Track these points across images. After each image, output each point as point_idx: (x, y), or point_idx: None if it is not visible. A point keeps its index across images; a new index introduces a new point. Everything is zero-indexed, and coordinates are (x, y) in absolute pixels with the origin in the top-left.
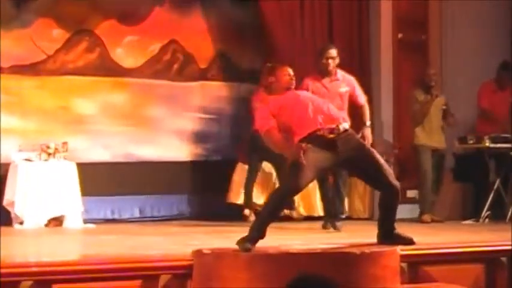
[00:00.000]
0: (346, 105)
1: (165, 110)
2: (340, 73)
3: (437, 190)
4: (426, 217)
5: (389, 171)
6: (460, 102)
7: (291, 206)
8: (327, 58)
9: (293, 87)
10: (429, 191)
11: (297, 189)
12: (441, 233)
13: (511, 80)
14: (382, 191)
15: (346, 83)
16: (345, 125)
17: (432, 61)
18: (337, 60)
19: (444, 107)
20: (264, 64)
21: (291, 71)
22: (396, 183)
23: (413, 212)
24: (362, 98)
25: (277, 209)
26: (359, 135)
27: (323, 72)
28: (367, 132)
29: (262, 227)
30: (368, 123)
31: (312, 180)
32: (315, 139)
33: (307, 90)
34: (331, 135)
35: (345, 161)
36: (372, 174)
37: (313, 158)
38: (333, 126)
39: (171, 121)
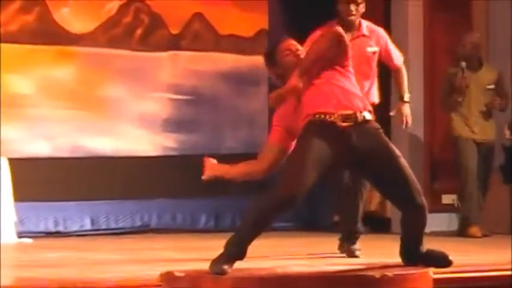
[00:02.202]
0: (374, 73)
1: (125, 89)
2: (366, 25)
3: (483, 195)
4: (474, 230)
5: (416, 185)
6: (510, 78)
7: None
8: (348, 1)
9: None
10: (475, 196)
11: (294, 197)
12: (487, 251)
13: None
14: (403, 209)
15: (374, 39)
16: (367, 114)
17: (476, 24)
18: (362, 8)
19: (491, 86)
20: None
21: (294, 43)
22: (423, 201)
23: (450, 223)
24: (398, 59)
25: (264, 222)
26: (394, 112)
27: (342, 23)
28: (405, 108)
29: (242, 241)
30: (407, 96)
31: (313, 183)
32: (323, 126)
33: None
34: (345, 124)
35: (359, 163)
36: (394, 188)
37: (318, 151)
38: (349, 112)
39: (133, 104)
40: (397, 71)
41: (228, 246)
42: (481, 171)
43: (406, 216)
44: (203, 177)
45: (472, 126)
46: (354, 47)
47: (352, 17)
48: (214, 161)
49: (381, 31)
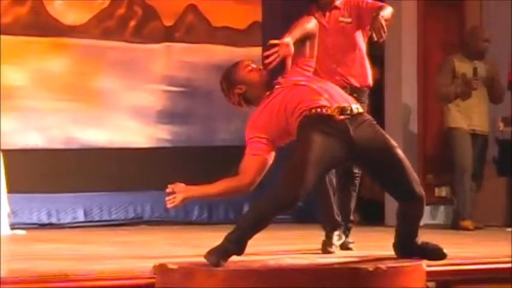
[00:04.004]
0: (356, 48)
1: (119, 81)
2: None
3: (477, 187)
4: (467, 223)
5: (414, 175)
6: (504, 72)
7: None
8: None
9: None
10: (468, 188)
11: (295, 198)
12: (480, 244)
13: None
14: (402, 200)
15: (347, 10)
16: (359, 106)
17: (469, 19)
18: None
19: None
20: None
21: (252, 64)
22: (421, 191)
23: (443, 215)
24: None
25: (264, 221)
26: (372, 26)
27: (318, 5)
28: (380, 20)
29: (241, 239)
30: (385, 14)
31: (315, 182)
32: (320, 121)
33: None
34: (342, 116)
35: (358, 155)
36: (392, 178)
37: (318, 149)
38: (344, 104)
39: (127, 95)
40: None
41: (226, 241)
42: (475, 164)
43: (403, 207)
44: (176, 203)
45: (472, 117)
46: (329, 21)
47: None
48: (182, 184)
49: None
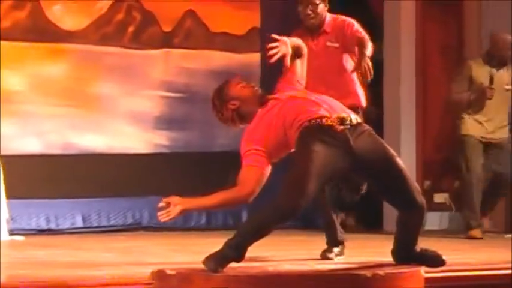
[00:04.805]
0: (345, 71)
1: (117, 87)
2: (330, 21)
3: (501, 195)
4: (475, 232)
5: (414, 184)
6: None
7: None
8: (304, 3)
9: (262, 99)
10: (475, 197)
11: (296, 209)
12: (479, 250)
13: None
14: (402, 209)
15: (335, 34)
16: (356, 117)
17: (467, 26)
18: (322, 7)
19: (508, 87)
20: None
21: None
22: (422, 200)
23: (441, 221)
24: (361, 32)
25: (265, 230)
26: (357, 66)
27: (305, 28)
28: (365, 60)
29: (241, 246)
30: (368, 52)
31: (316, 193)
32: (321, 131)
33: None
34: (342, 126)
35: (358, 165)
36: (393, 187)
37: (319, 159)
38: (344, 115)
39: (125, 101)
40: (358, 43)
41: (226, 247)
42: (493, 175)
43: (404, 216)
44: (173, 216)
45: (488, 125)
46: (317, 45)
47: (311, 21)
48: (177, 197)
49: (346, 21)
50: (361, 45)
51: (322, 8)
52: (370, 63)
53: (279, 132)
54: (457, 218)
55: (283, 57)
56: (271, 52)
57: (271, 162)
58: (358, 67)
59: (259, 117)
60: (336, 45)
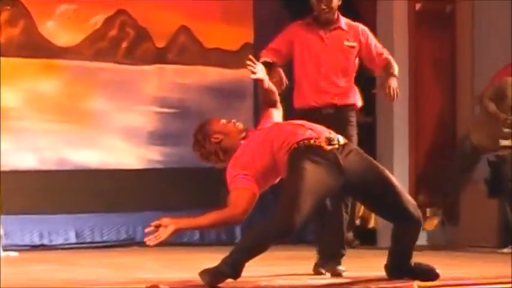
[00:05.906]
0: (353, 71)
1: (111, 102)
2: (344, 21)
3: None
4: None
5: (408, 197)
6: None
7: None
8: None
9: (244, 133)
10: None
11: (291, 228)
12: (472, 265)
13: None
14: (398, 222)
15: (352, 34)
16: (342, 137)
17: (460, 39)
18: (336, 2)
19: None
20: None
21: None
22: (419, 214)
23: (435, 236)
24: (384, 51)
25: (260, 248)
26: (382, 86)
27: (317, 20)
28: (392, 81)
29: (237, 263)
30: (396, 70)
31: (310, 211)
32: (310, 151)
33: (290, 42)
34: (331, 146)
35: (349, 183)
36: (387, 202)
37: (311, 178)
38: (332, 135)
39: (119, 117)
40: (385, 60)
41: (222, 263)
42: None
43: (399, 230)
44: (163, 238)
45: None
46: (330, 39)
47: (326, 15)
48: (167, 218)
49: (361, 27)
50: (389, 66)
51: (335, 2)
52: (396, 85)
53: (265, 158)
54: (450, 232)
55: (260, 81)
56: (249, 68)
57: (260, 190)
58: (384, 87)
59: (243, 146)
60: (354, 44)
